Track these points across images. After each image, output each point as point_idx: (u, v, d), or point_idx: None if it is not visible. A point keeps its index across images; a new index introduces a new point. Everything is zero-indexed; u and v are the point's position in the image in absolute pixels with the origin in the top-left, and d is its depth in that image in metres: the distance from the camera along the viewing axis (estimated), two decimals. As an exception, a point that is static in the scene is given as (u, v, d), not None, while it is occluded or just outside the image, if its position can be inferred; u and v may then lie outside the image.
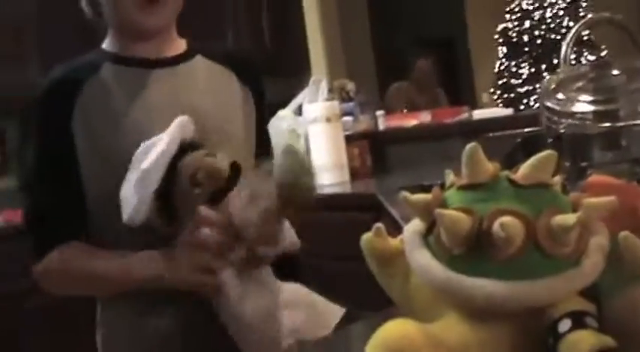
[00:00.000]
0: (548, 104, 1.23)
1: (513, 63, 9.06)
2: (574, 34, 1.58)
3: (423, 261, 0.71)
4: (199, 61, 1.61)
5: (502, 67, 9.10)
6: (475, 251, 0.68)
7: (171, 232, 1.38)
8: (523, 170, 0.71)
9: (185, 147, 1.37)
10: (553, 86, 1.27)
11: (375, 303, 1.07)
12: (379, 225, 0.79)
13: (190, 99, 1.53)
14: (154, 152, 1.34)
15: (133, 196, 1.34)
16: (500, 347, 0.67)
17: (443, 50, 9.53)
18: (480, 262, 0.67)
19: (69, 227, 1.50)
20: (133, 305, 1.50)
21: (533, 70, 8.85)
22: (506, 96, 9.00)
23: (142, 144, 1.39)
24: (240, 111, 1.61)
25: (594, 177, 0.80)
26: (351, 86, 4.50)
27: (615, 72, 1.27)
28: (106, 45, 1.61)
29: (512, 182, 0.70)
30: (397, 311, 0.77)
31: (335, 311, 1.44)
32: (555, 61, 8.13)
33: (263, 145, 1.70)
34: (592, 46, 7.99)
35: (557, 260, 0.67)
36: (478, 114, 3.79)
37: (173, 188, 1.34)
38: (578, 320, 0.64)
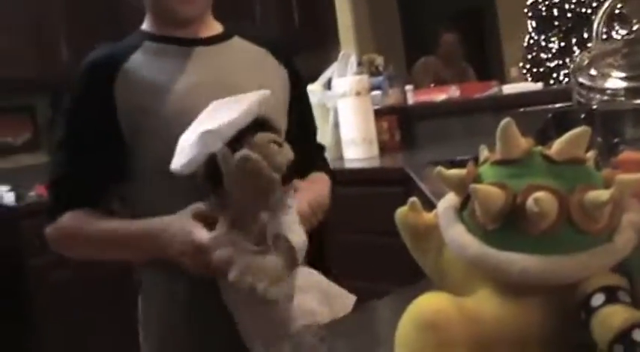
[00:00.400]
0: (581, 80, 1.23)
1: (543, 37, 8.96)
2: (606, 8, 1.56)
3: (458, 235, 0.72)
4: (237, 41, 1.65)
5: (531, 41, 9.01)
6: (509, 226, 0.69)
7: (213, 196, 1.38)
8: (557, 146, 0.71)
9: (258, 123, 1.35)
10: (586, 62, 1.27)
11: (403, 278, 1.08)
12: (414, 199, 0.80)
13: (233, 77, 1.55)
14: (227, 115, 1.32)
15: (192, 148, 1.32)
16: (534, 321, 0.68)
17: (471, 24, 9.48)
18: (514, 237, 0.69)
19: (84, 192, 1.52)
20: (164, 271, 1.52)
21: (563, 44, 8.74)
22: (535, 70, 8.91)
23: (214, 102, 1.41)
24: (280, 90, 1.63)
25: (626, 154, 0.80)
26: (379, 60, 4.49)
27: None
28: (145, 27, 1.64)
29: (546, 157, 0.71)
30: (428, 285, 0.78)
31: (348, 298, 1.44)
32: (586, 36, 8.04)
33: (309, 133, 1.80)
34: (623, 20, 7.90)
35: (590, 235, 0.68)
36: (508, 88, 3.76)
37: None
38: (612, 295, 0.65)
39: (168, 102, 1.48)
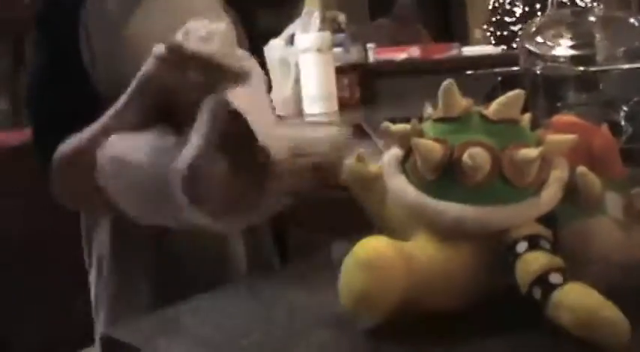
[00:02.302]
0: (528, 46, 1.30)
1: (508, 0, 9.01)
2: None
3: (400, 185, 0.79)
4: None
5: (496, 5, 9.06)
6: (446, 177, 0.75)
7: None
8: (493, 106, 0.78)
9: None
10: (533, 29, 1.33)
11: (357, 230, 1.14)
12: (361, 150, 0.87)
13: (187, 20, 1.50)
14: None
15: None
16: (466, 264, 0.75)
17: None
18: (451, 188, 0.75)
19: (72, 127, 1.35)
20: None
21: (527, 8, 8.81)
22: (499, 33, 8.97)
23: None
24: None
25: (559, 117, 0.87)
26: (342, 18, 4.51)
27: (592, 19, 1.33)
28: None
29: (483, 117, 0.77)
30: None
31: None
32: (549, 1, 8.11)
33: None
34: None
35: (519, 189, 0.75)
36: (468, 51, 3.83)
37: None
38: (534, 243, 0.72)
39: (123, 47, 1.38)
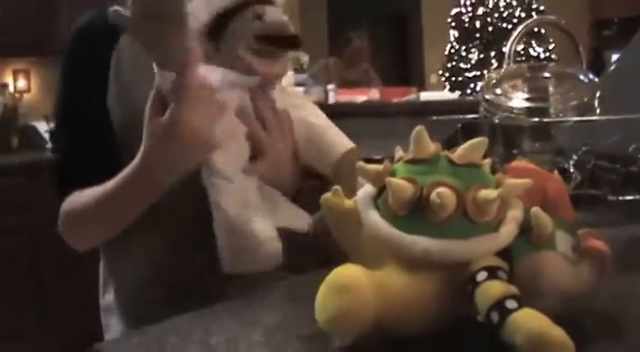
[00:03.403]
0: (487, 97, 1.40)
1: (464, 47, 9.20)
2: (518, 34, 1.72)
3: (372, 219, 0.87)
4: None
5: (452, 51, 9.24)
6: (415, 213, 0.84)
7: None
8: (459, 151, 0.87)
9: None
10: (493, 81, 1.44)
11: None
12: (337, 187, 0.95)
13: None
14: None
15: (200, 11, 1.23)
16: (431, 292, 0.83)
17: (396, 28, 9.68)
18: (419, 223, 0.84)
19: (87, 174, 1.37)
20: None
21: (482, 56, 9.00)
22: (454, 79, 9.15)
23: None
24: None
25: (516, 163, 0.97)
26: (305, 58, 4.62)
27: (547, 74, 1.45)
28: None
29: (449, 160, 0.87)
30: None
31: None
32: (504, 49, 8.27)
33: None
34: (541, 39, 8.19)
35: (480, 225, 0.84)
36: (425, 96, 3.96)
37: (234, 17, 1.25)
38: (492, 273, 0.81)
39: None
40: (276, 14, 1.28)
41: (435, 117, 1.60)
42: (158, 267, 1.43)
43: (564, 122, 1.37)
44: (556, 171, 0.94)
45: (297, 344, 0.89)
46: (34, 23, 4.69)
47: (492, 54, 8.82)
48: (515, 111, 1.38)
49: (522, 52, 8.07)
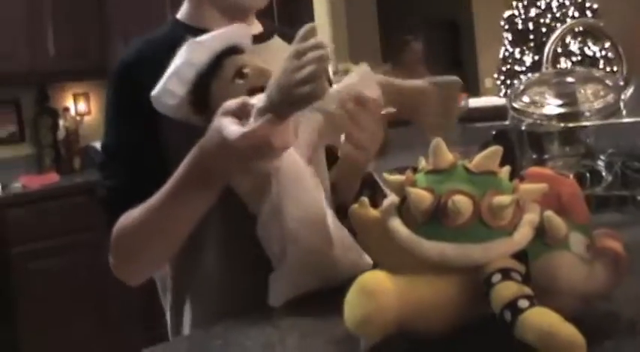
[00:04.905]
0: (515, 105, 1.44)
1: (518, 50, 9.14)
2: (555, 38, 1.76)
3: (396, 226, 0.93)
4: (277, 41, 1.54)
5: (506, 54, 9.18)
6: (434, 220, 0.90)
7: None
8: (475, 160, 0.92)
9: (235, 50, 1.29)
10: (521, 89, 1.48)
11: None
12: (363, 198, 1.01)
13: None
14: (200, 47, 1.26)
15: (176, 85, 1.24)
16: (450, 294, 0.89)
17: (448, 34, 9.66)
18: (438, 229, 0.89)
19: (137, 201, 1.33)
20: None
21: (537, 57, 8.92)
22: (509, 82, 9.09)
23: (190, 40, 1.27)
24: None
25: (532, 168, 1.01)
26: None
27: (571, 79, 1.49)
28: (183, 17, 1.50)
29: (466, 169, 0.92)
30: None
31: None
32: (559, 50, 8.21)
33: None
34: (597, 38, 8.09)
35: (496, 230, 0.89)
36: (474, 102, 3.99)
37: (212, 80, 1.25)
38: (506, 274, 0.86)
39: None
40: (254, 61, 1.28)
41: (469, 125, 1.65)
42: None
43: (591, 125, 1.40)
44: (572, 175, 0.98)
45: (327, 347, 0.95)
46: (92, 49, 4.85)
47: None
48: (543, 118, 1.41)
49: (578, 52, 8.02)
